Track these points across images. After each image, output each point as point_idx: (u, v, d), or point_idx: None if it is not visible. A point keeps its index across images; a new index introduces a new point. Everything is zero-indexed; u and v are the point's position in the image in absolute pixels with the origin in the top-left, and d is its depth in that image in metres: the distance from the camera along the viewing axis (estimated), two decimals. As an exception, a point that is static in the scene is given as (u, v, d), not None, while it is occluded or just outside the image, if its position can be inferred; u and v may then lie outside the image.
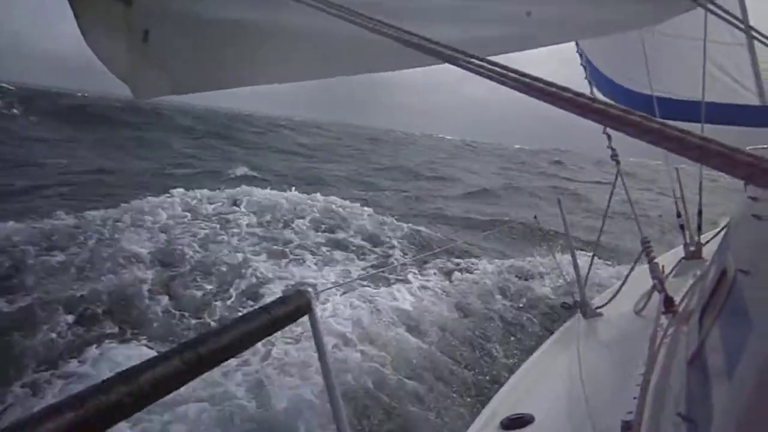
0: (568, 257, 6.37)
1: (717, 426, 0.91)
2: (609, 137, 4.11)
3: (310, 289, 1.47)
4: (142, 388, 0.85)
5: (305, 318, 1.42)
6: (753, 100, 5.39)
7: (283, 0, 1.65)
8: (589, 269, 4.26)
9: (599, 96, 5.41)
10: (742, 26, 2.99)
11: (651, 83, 4.76)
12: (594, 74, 5.76)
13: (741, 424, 0.80)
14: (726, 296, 1.33)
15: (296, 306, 1.36)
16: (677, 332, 2.32)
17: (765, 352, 0.81)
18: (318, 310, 1.49)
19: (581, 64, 5.67)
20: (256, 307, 1.24)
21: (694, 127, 4.75)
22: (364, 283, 8.26)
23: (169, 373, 0.92)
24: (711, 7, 2.24)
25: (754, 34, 2.79)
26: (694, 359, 1.46)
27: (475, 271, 9.58)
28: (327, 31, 1.75)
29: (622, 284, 4.00)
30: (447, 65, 1.23)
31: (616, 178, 4.12)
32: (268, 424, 5.48)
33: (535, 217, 4.70)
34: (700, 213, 4.68)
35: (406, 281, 8.66)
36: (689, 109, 4.76)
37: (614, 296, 3.93)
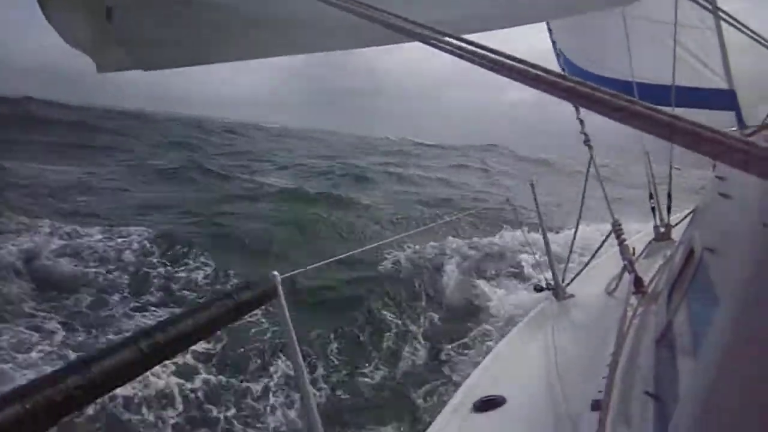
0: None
1: (683, 402, 0.92)
2: (582, 122, 4.15)
3: (276, 273, 1.44)
4: (95, 379, 0.80)
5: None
6: (720, 84, 5.49)
7: None
8: (570, 253, 4.30)
9: None
10: (710, 7, 3.02)
11: (632, 68, 4.82)
12: (566, 62, 5.82)
13: (706, 400, 0.81)
14: (693, 275, 1.34)
15: (262, 291, 1.32)
16: (646, 312, 2.35)
17: (730, 328, 0.81)
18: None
19: (555, 52, 5.74)
20: (221, 292, 1.20)
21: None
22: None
23: (124, 362, 0.86)
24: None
25: (722, 15, 2.82)
26: (661, 338, 1.48)
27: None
28: (295, 8, 1.72)
29: (586, 264, 4.08)
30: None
31: (589, 163, 4.17)
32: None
33: (508, 200, 4.73)
34: (669, 195, 4.76)
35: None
36: (659, 93, 4.83)
37: (585, 278, 3.99)
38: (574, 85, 0.95)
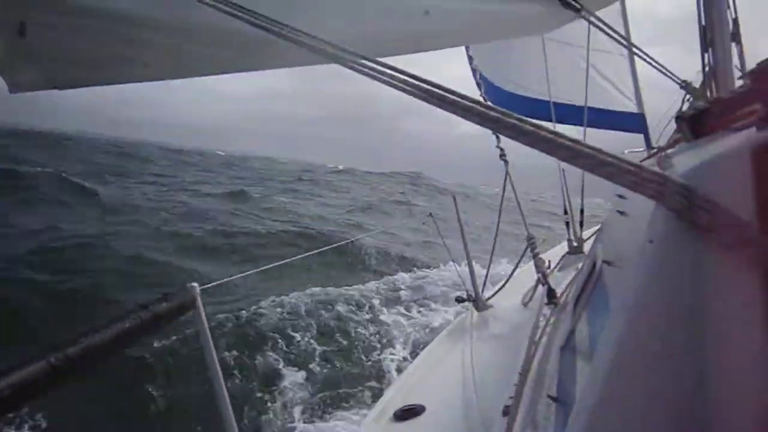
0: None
1: (578, 404, 1.00)
2: (498, 137, 4.31)
3: (195, 285, 1.39)
4: (1, 394, 0.76)
5: None
6: (632, 108, 5.84)
7: None
8: (489, 265, 4.42)
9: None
10: (624, 43, 3.23)
11: (549, 89, 5.02)
12: (483, 81, 5.96)
13: (598, 401, 0.89)
14: (593, 286, 1.45)
15: (180, 302, 1.28)
16: (557, 321, 2.48)
17: (618, 335, 0.89)
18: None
19: (472, 68, 5.85)
20: (137, 303, 1.14)
21: (577, 130, 5.06)
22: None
23: (35, 377, 0.82)
24: (593, 20, 2.41)
25: (636, 51, 3.03)
26: (565, 345, 1.58)
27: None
28: (214, 26, 1.66)
29: (508, 279, 4.23)
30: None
31: (505, 179, 4.32)
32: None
33: (431, 214, 4.81)
34: (582, 211, 5.00)
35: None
36: (573, 113, 5.07)
37: (505, 289, 4.14)
38: (485, 110, 1.02)
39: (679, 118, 1.42)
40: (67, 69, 1.87)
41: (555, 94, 5.15)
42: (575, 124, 5.01)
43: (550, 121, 5.07)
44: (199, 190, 24.06)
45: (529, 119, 0.99)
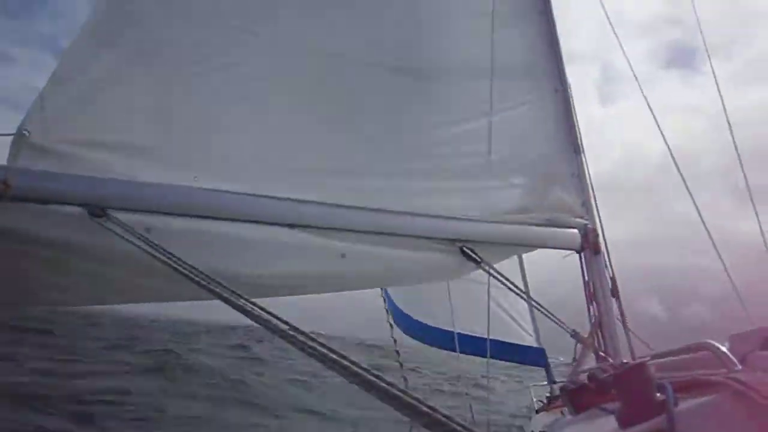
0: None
1: None
2: (395, 340, 4.32)
3: None
4: None
5: None
6: (532, 342, 6.14)
7: (74, 219, 1.64)
8: None
9: (399, 333, 5.78)
10: (524, 296, 3.52)
11: (453, 321, 5.20)
12: (396, 314, 6.12)
13: None
14: None
15: None
16: None
17: None
18: None
19: (385, 309, 6.00)
20: None
21: (482, 361, 5.12)
22: None
23: None
24: (492, 272, 2.63)
25: (534, 303, 3.29)
26: None
27: None
28: (118, 256, 1.72)
29: None
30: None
31: None
32: None
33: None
34: None
35: None
36: (477, 344, 5.25)
37: None
38: (383, 385, 1.08)
39: (563, 389, 1.54)
40: None
41: (459, 325, 5.36)
42: (479, 355, 5.14)
43: (455, 350, 5.22)
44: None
45: (426, 402, 1.05)
